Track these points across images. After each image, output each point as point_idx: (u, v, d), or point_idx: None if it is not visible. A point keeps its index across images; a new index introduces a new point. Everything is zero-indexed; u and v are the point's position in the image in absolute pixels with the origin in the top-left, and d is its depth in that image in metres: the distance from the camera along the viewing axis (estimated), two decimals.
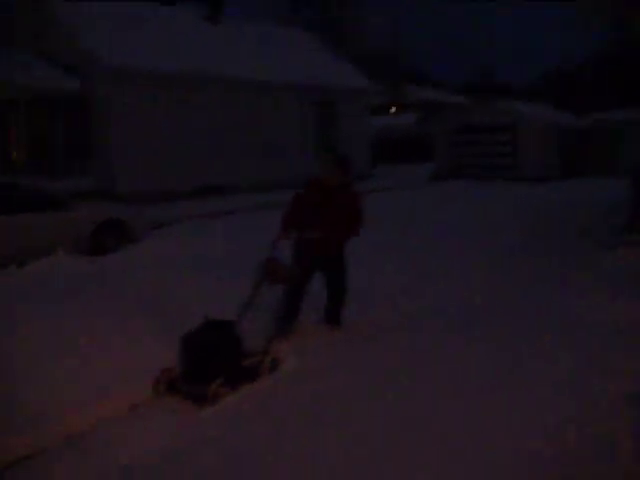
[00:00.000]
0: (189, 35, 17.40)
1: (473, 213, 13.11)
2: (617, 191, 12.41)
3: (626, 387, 4.11)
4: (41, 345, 4.75)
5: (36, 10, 15.56)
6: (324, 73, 20.25)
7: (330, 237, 5.19)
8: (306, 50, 21.33)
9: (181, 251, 9.08)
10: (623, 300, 6.11)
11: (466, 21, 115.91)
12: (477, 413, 3.83)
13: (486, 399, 4.03)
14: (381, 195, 16.74)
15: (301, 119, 19.08)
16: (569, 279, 7.31)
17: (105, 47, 14.45)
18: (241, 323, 4.69)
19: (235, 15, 20.35)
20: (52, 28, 15.22)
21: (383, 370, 4.66)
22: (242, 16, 20.72)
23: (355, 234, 5.38)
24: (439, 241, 9.87)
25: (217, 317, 4.69)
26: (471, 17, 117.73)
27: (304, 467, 3.37)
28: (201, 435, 3.83)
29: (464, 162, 22.15)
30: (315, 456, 3.46)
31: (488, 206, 14.16)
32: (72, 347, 4.76)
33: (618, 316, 5.64)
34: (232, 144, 16.94)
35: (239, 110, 17.07)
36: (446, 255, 8.81)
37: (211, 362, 4.37)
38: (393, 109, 35.66)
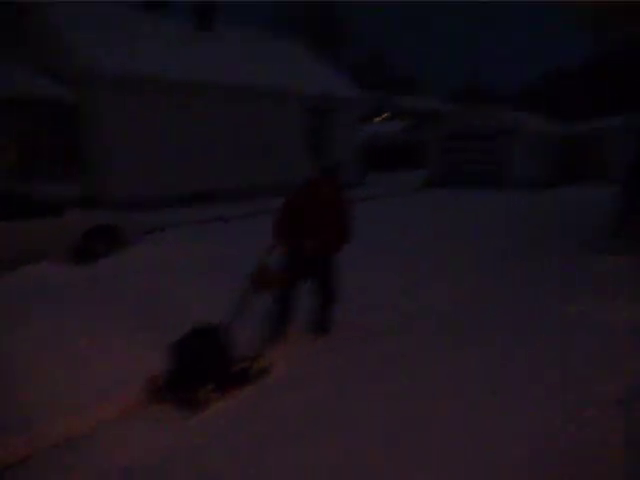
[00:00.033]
0: (182, 43, 17.38)
1: (464, 219, 13.14)
2: (605, 197, 12.50)
3: (625, 386, 4.10)
4: (34, 349, 4.69)
5: (27, 18, 15.51)
6: (317, 82, 20.30)
7: (320, 244, 5.18)
8: (298, 60, 21.39)
9: (173, 256, 9.01)
10: (616, 302, 6.15)
11: (454, 28, 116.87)
12: (477, 414, 3.81)
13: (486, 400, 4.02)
14: (372, 203, 16.76)
15: (295, 127, 19.10)
16: (560, 283, 7.33)
17: (97, 54, 14.40)
18: (231, 329, 4.66)
19: (227, 25, 20.23)
20: (43, 35, 15.14)
21: (373, 375, 4.64)
22: (234, 26, 20.64)
23: (346, 242, 5.38)
24: (431, 247, 9.84)
25: (207, 323, 4.66)
26: (459, 25, 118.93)
27: (293, 474, 3.34)
28: (188, 443, 3.78)
29: (455, 169, 22.26)
30: (304, 464, 3.42)
31: (479, 213, 14.20)
32: (63, 352, 4.70)
33: (610, 317, 5.68)
34: (225, 151, 16.92)
35: (231, 117, 17.06)
36: (438, 260, 8.80)
37: (200, 368, 4.34)
38: (381, 117, 35.78)
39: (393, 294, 6.92)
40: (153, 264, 8.18)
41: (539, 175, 21.53)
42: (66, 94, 14.19)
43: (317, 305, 5.63)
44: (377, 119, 35.50)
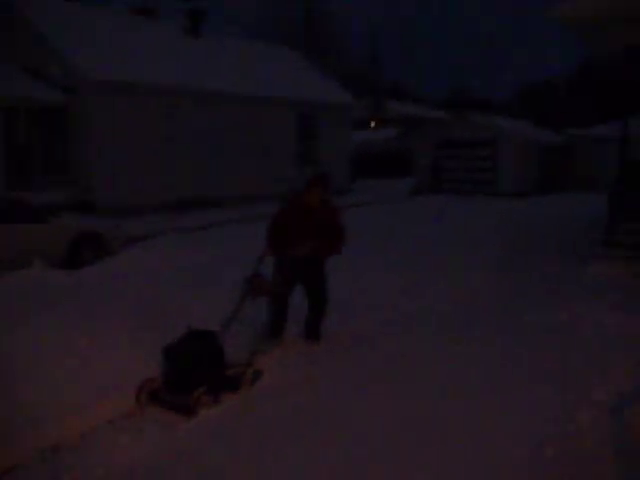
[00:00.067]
0: (171, 48, 17.37)
1: (453, 228, 13.13)
2: (595, 206, 12.60)
3: (625, 387, 4.10)
4: (21, 355, 4.62)
5: (18, 23, 15.42)
6: (308, 89, 20.37)
7: (312, 253, 5.23)
8: (290, 66, 21.44)
9: (160, 263, 8.99)
10: (605, 310, 6.17)
11: (446, 36, 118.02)
12: (477, 414, 3.78)
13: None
14: (361, 210, 16.75)
15: (285, 133, 19.11)
16: (550, 291, 7.33)
17: (86, 60, 14.33)
18: (224, 335, 4.66)
19: (218, 31, 20.31)
20: (33, 40, 15.05)
21: (373, 375, 4.65)
22: (224, 32, 20.72)
23: (337, 252, 5.46)
24: (419, 256, 9.76)
25: (200, 327, 4.67)
26: (451, 32, 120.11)
27: (293, 474, 3.31)
28: (182, 448, 3.75)
29: (444, 177, 22.36)
30: (304, 464, 3.39)
31: (469, 221, 14.23)
32: (49, 359, 4.62)
33: (602, 323, 5.71)
34: (215, 157, 16.85)
35: (221, 124, 17.01)
36: (426, 269, 8.74)
37: (193, 372, 4.32)
38: (373, 124, 35.92)
39: (375, 304, 6.86)
40: (138, 272, 8.14)
41: (529, 182, 21.67)
42: (48, 98, 14.09)
43: (309, 310, 5.67)
44: (372, 125, 35.65)
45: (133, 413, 4.24)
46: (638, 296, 6.84)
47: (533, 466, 3.29)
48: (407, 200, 20.43)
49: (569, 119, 33.16)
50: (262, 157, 18.05)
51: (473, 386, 4.26)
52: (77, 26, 15.60)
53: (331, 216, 5.46)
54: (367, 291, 7.29)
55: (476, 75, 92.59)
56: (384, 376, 4.61)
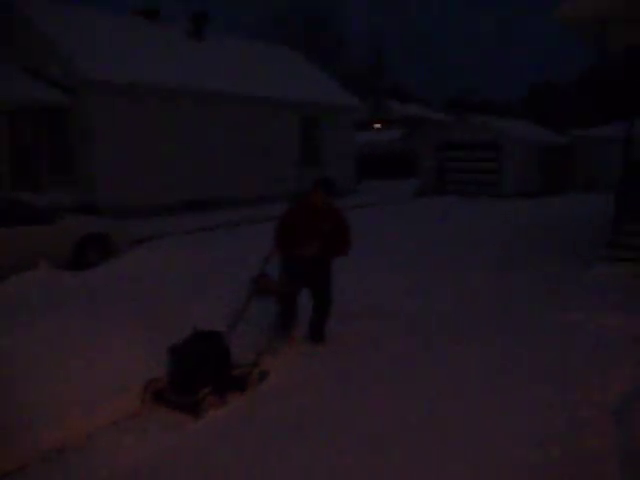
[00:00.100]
0: (174, 49, 17.39)
1: (457, 229, 13.14)
2: (598, 207, 12.55)
3: (625, 387, 4.10)
4: (26, 356, 4.61)
5: (19, 23, 15.48)
6: (311, 90, 20.34)
7: (319, 253, 5.28)
8: (292, 67, 21.43)
9: (165, 264, 8.97)
10: (605, 310, 6.19)
11: (450, 37, 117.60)
12: (477, 414, 3.79)
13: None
14: (365, 211, 16.75)
15: (288, 135, 19.10)
16: (552, 292, 7.34)
17: (88, 60, 14.37)
18: (230, 335, 4.68)
19: (218, 31, 20.25)
20: (35, 41, 15.11)
21: (376, 376, 4.67)
22: (227, 33, 20.69)
23: (344, 254, 5.52)
24: (423, 256, 9.79)
25: (205, 328, 4.68)
26: (455, 33, 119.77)
27: (297, 474, 3.33)
28: (192, 445, 3.76)
29: (448, 178, 22.31)
30: (308, 464, 3.41)
31: (472, 222, 14.22)
32: (53, 361, 4.61)
33: (606, 324, 5.71)
34: (216, 158, 16.86)
35: (225, 125, 17.04)
36: (430, 269, 8.77)
37: (199, 372, 4.33)
38: (377, 125, 35.89)
39: (378, 305, 6.86)
40: (143, 273, 8.14)
41: (532, 184, 21.61)
42: (49, 98, 14.10)
43: (314, 311, 5.71)
44: (376, 126, 35.62)
45: (138, 414, 4.25)
46: (638, 296, 6.83)
47: (533, 466, 3.29)
48: (411, 201, 20.42)
49: (573, 120, 33.04)
50: (264, 158, 18.03)
51: (473, 386, 4.28)
52: (77, 26, 15.62)
53: (336, 219, 5.50)
54: (371, 292, 7.30)
55: (477, 76, 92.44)
56: (388, 377, 4.64)
